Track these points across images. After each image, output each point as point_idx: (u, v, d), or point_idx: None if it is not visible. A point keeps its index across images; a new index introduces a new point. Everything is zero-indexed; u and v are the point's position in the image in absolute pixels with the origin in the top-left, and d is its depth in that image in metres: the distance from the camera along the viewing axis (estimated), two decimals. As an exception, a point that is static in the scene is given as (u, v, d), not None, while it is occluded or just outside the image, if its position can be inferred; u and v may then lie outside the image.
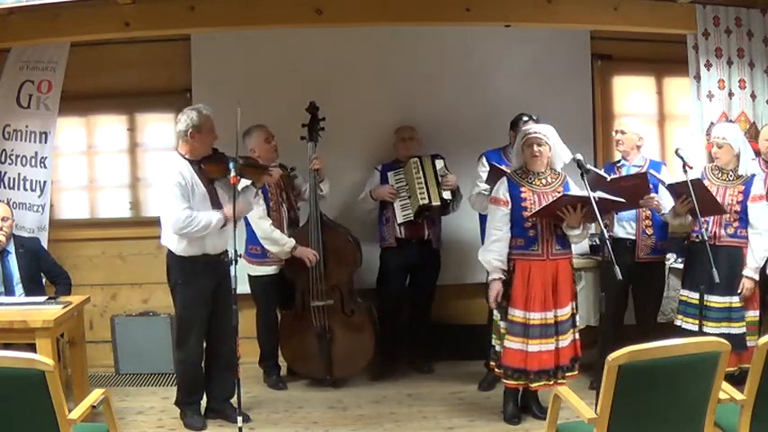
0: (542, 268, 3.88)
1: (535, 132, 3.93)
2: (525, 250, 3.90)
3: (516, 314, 3.89)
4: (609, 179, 4.12)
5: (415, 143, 4.94)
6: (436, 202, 4.74)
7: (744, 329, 4.11)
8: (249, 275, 4.74)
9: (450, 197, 4.77)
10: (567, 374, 3.91)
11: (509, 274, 3.93)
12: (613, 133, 4.61)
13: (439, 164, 4.81)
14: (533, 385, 3.91)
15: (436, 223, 4.97)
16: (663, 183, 4.29)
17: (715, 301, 4.10)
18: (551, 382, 3.87)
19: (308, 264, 4.61)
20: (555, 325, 3.87)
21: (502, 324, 3.98)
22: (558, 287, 3.88)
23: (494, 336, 4.08)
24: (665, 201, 4.28)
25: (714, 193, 4.09)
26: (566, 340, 3.90)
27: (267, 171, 4.18)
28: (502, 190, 3.97)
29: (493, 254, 3.93)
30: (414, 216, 4.79)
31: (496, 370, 4.06)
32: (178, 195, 3.85)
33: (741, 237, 4.13)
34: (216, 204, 3.99)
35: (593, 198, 3.66)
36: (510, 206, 3.92)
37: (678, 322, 4.27)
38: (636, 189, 4.12)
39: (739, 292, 4.10)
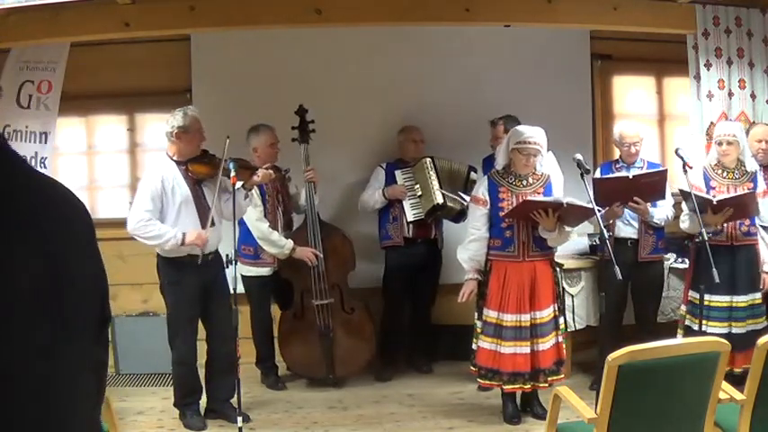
0: (518, 270, 3.86)
1: (535, 144, 3.83)
2: (502, 251, 3.90)
3: (490, 315, 3.89)
4: (631, 177, 4.11)
5: (423, 145, 4.96)
6: (453, 205, 4.78)
7: (766, 323, 4.13)
8: (242, 275, 4.67)
9: (466, 205, 4.79)
10: (550, 378, 3.86)
11: (485, 274, 3.93)
12: (626, 147, 4.39)
13: (473, 175, 4.88)
14: (506, 387, 3.89)
15: (440, 224, 4.99)
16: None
17: (741, 300, 4.10)
18: (528, 386, 3.86)
19: (309, 263, 4.61)
20: (531, 328, 3.83)
21: (477, 324, 3.99)
22: (536, 289, 3.85)
23: (473, 335, 4.08)
24: (659, 208, 4.28)
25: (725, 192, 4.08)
26: (546, 343, 3.86)
27: (255, 173, 4.16)
28: (481, 189, 3.98)
29: (468, 252, 3.95)
30: (424, 215, 4.80)
31: (471, 368, 4.06)
32: (147, 197, 3.86)
33: (753, 234, 4.14)
34: (200, 206, 3.97)
35: (564, 204, 3.67)
36: (488, 206, 3.92)
37: (709, 329, 4.03)
38: (652, 186, 4.11)
39: (762, 287, 4.12)
